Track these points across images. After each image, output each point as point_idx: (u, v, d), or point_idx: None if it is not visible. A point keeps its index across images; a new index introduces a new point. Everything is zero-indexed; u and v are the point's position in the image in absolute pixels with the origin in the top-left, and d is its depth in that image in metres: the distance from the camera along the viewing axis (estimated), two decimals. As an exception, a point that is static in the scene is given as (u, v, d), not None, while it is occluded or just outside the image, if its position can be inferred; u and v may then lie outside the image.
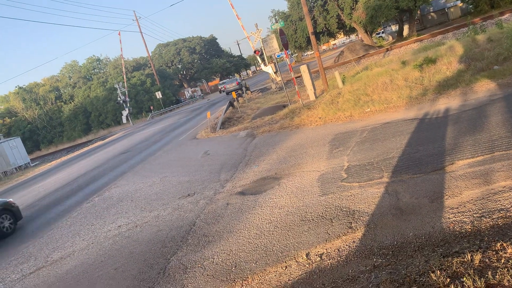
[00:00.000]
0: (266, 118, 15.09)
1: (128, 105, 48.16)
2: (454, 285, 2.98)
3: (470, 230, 3.71)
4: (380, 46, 33.26)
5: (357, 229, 4.39)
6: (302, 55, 78.85)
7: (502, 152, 5.16)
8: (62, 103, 63.00)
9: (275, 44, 16.82)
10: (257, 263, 4.39)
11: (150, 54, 64.62)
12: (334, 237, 4.39)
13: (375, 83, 12.11)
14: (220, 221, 6.00)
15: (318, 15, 41.55)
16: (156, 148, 16.91)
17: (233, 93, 25.95)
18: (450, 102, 8.93)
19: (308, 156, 8.03)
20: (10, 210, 9.95)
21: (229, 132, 14.97)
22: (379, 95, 11.20)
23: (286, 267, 4.13)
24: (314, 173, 6.75)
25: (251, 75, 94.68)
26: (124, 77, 51.38)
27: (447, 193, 4.56)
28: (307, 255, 4.21)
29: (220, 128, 16.69)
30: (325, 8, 41.32)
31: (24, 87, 63.44)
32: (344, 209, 4.98)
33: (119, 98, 47.77)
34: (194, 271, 4.68)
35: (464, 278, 3.01)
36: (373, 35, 47.47)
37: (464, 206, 4.17)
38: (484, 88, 9.09)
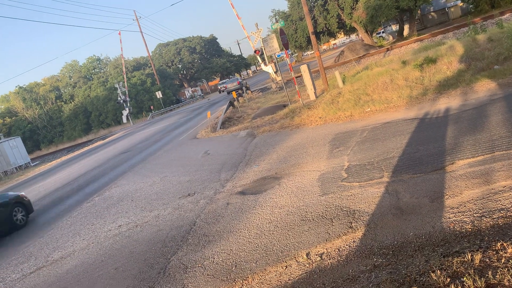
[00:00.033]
0: (266, 118, 15.09)
1: (128, 104, 48.18)
2: (454, 284, 2.97)
3: (470, 229, 3.71)
4: (381, 46, 33.26)
5: (358, 229, 4.39)
6: (302, 55, 78.84)
7: (503, 152, 5.15)
8: (63, 103, 63.02)
9: (275, 43, 16.83)
10: (258, 262, 4.39)
11: (151, 54, 64.66)
12: (334, 237, 4.39)
13: (375, 83, 12.10)
14: (220, 220, 6.00)
15: (318, 15, 41.53)
16: (157, 147, 16.92)
17: (233, 92, 25.95)
18: (450, 101, 8.93)
19: (309, 155, 8.03)
20: (22, 203, 10.28)
21: (229, 132, 14.97)
22: (379, 94, 11.20)
23: (286, 266, 4.13)
24: (314, 173, 6.75)
25: (251, 75, 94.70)
26: (125, 77, 51.40)
27: (447, 193, 4.56)
28: (307, 254, 4.21)
29: (220, 128, 16.69)
30: (325, 7, 41.30)
31: (24, 86, 63.46)
32: (345, 209, 4.98)
33: (119, 98, 47.79)
34: (195, 270, 4.68)
35: (465, 278, 3.01)
36: (374, 34, 47.43)
37: (465, 206, 4.17)
38: (484, 87, 9.09)
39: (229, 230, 5.55)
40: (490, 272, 2.99)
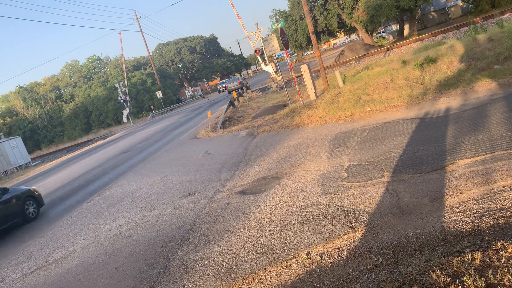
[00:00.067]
0: (266, 118, 15.09)
1: (128, 104, 48.17)
2: (454, 284, 2.98)
3: (470, 229, 3.71)
4: (381, 46, 33.24)
5: (358, 229, 4.39)
6: (302, 55, 78.78)
7: (503, 152, 5.15)
8: (63, 103, 63.04)
9: (275, 43, 16.83)
10: (258, 262, 4.40)
11: (151, 54, 64.64)
12: (334, 237, 4.39)
13: (375, 83, 12.10)
14: (220, 220, 6.00)
15: (318, 15, 41.55)
16: (157, 147, 16.92)
17: (234, 92, 25.95)
18: (450, 101, 8.93)
19: (309, 155, 8.03)
20: (33, 197, 10.54)
21: (229, 132, 14.97)
22: (379, 94, 11.20)
23: (286, 266, 4.13)
24: (314, 173, 6.76)
25: (251, 75, 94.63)
26: (125, 77, 51.38)
27: (447, 193, 4.56)
28: (307, 254, 4.21)
29: (220, 128, 16.69)
30: (325, 7, 41.31)
31: (24, 86, 63.47)
32: (345, 209, 4.98)
33: (119, 98, 47.78)
34: (195, 270, 4.68)
35: (465, 278, 3.01)
36: (374, 34, 47.41)
37: (465, 206, 4.17)
38: (484, 87, 9.09)
39: (229, 229, 5.55)
40: (490, 272, 2.99)
